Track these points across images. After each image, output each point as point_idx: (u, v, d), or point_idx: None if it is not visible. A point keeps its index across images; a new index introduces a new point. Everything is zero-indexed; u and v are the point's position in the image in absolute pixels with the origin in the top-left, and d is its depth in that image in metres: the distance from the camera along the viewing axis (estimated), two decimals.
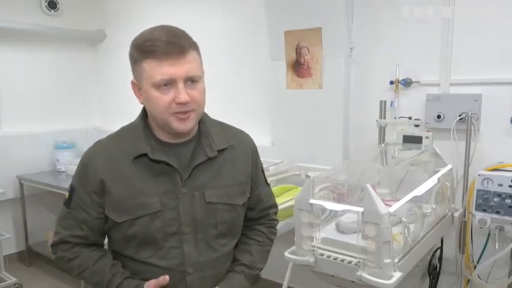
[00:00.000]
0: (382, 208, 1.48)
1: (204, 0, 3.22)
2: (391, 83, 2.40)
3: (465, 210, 2.20)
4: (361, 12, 2.49)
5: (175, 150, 1.19)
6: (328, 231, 1.85)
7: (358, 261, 1.56)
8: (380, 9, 2.44)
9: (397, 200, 1.76)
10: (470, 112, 2.17)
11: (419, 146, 2.23)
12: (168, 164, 1.16)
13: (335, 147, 2.60)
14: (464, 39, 2.21)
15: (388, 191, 2.23)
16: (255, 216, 1.36)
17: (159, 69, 1.06)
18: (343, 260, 1.60)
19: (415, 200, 1.80)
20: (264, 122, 2.87)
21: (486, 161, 2.11)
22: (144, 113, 1.21)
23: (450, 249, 2.29)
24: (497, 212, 1.92)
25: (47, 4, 3.72)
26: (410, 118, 2.34)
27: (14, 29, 3.49)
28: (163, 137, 1.19)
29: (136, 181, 1.15)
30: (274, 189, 2.11)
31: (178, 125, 1.12)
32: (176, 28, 1.12)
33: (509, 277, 2.10)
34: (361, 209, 1.52)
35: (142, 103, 1.17)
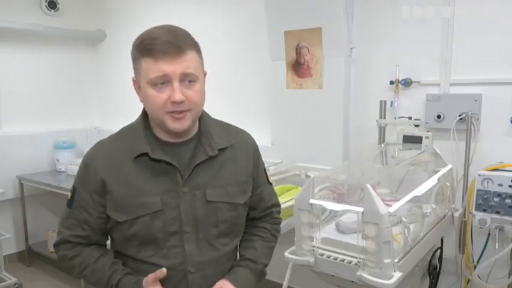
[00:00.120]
0: (382, 208, 1.48)
1: (204, 0, 3.22)
2: (391, 83, 2.40)
3: (465, 210, 2.20)
4: (361, 12, 2.49)
5: (175, 150, 1.19)
6: (328, 231, 1.85)
7: (358, 261, 1.56)
8: (380, 9, 2.44)
9: (397, 200, 1.76)
10: (470, 112, 2.17)
11: (419, 146, 2.23)
12: (168, 163, 1.16)
13: (335, 147, 2.60)
14: (464, 39, 2.21)
15: (388, 191, 2.24)
16: (258, 215, 1.36)
17: (154, 67, 1.07)
18: (343, 260, 1.60)
19: (415, 200, 1.80)
20: (264, 122, 2.87)
21: (486, 161, 2.11)
22: (145, 112, 1.21)
23: (450, 249, 2.29)
24: (497, 212, 1.92)
25: (47, 4, 3.72)
26: (410, 118, 2.34)
27: (14, 29, 3.49)
28: (163, 136, 1.19)
29: (137, 180, 1.16)
30: (275, 189, 2.11)
31: (173, 124, 1.12)
32: (178, 28, 1.12)
33: (509, 277, 2.10)
34: (361, 209, 1.52)
35: (141, 101, 1.18)
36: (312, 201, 1.64)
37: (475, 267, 2.19)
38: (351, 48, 2.53)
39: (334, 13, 2.44)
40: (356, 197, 1.83)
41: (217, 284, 1.19)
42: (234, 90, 3.10)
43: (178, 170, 1.17)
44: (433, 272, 2.22)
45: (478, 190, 1.97)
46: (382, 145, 2.38)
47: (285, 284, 2.36)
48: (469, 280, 2.27)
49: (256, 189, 1.32)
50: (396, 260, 1.54)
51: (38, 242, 3.73)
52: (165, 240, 1.16)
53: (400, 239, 1.64)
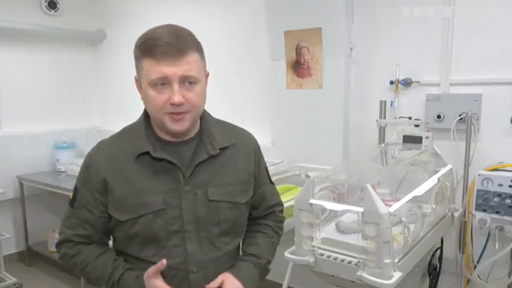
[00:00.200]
0: (382, 208, 1.48)
1: (204, 0, 3.22)
2: (391, 83, 2.40)
3: (465, 210, 2.20)
4: (361, 12, 2.49)
5: (177, 149, 1.19)
6: (328, 231, 1.85)
7: (358, 261, 1.56)
8: (380, 9, 2.44)
9: (397, 200, 1.76)
10: (470, 112, 2.17)
11: (419, 146, 2.23)
12: (170, 162, 1.16)
13: (335, 147, 2.60)
14: (464, 39, 2.21)
15: (388, 191, 2.23)
16: (260, 214, 1.35)
17: (155, 68, 1.07)
18: (343, 260, 1.60)
19: (415, 200, 1.80)
20: (264, 122, 2.87)
21: (486, 161, 2.11)
22: (147, 112, 1.21)
23: (450, 249, 2.29)
24: (497, 212, 1.92)
25: (47, 4, 3.72)
26: (410, 118, 2.34)
27: (14, 29, 3.49)
28: (165, 135, 1.19)
29: (138, 180, 1.16)
30: None
31: (172, 125, 1.12)
32: (181, 28, 1.12)
33: (509, 277, 2.10)
34: (361, 209, 1.52)
35: (142, 99, 1.18)
36: (312, 201, 1.64)
37: (475, 267, 2.19)
38: (351, 48, 2.53)
39: (334, 13, 2.44)
40: (356, 197, 1.83)
41: (219, 277, 1.18)
42: (234, 90, 3.10)
43: (180, 168, 1.17)
44: (433, 272, 2.22)
45: (478, 190, 1.97)
46: (382, 145, 2.38)
47: (285, 284, 2.36)
48: (469, 280, 2.27)
49: (258, 189, 1.31)
50: (396, 260, 1.54)
51: (38, 242, 3.73)
52: (167, 240, 1.16)
53: (400, 239, 1.64)
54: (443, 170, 2.07)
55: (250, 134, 1.36)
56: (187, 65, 1.08)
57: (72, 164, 3.58)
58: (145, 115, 1.22)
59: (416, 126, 2.31)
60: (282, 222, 1.42)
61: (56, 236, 3.98)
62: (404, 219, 1.68)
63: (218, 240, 1.22)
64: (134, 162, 1.17)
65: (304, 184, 1.71)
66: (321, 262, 1.65)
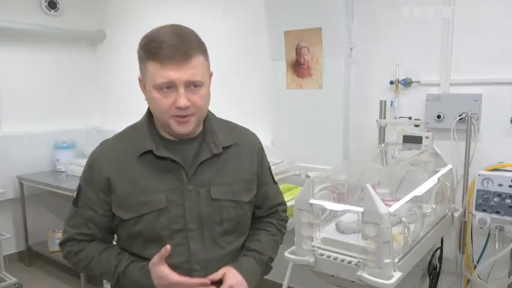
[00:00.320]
0: (382, 208, 1.48)
1: (204, 0, 3.22)
2: (391, 83, 2.40)
3: (465, 210, 2.20)
4: (361, 12, 2.49)
5: (180, 147, 1.19)
6: (328, 231, 1.85)
7: (358, 261, 1.56)
8: (380, 9, 2.44)
9: (397, 200, 1.76)
10: (470, 112, 2.17)
11: (419, 146, 2.23)
12: (173, 161, 1.17)
13: (335, 147, 2.60)
14: (464, 39, 2.21)
15: (388, 191, 2.23)
16: (263, 214, 1.35)
17: (161, 73, 1.07)
18: (343, 260, 1.60)
19: (415, 200, 1.80)
20: (264, 121, 2.87)
21: (486, 161, 2.11)
22: (150, 111, 1.22)
23: (450, 249, 2.29)
24: (497, 212, 1.92)
25: (47, 4, 3.72)
26: (410, 118, 2.34)
27: (14, 29, 3.50)
28: (167, 134, 1.20)
29: (141, 178, 1.16)
30: None
31: (177, 128, 1.13)
32: (185, 29, 1.12)
33: (509, 277, 2.10)
34: (361, 209, 1.52)
35: (146, 100, 1.18)
36: (312, 201, 1.64)
37: (475, 267, 2.19)
38: (351, 48, 2.53)
39: (334, 13, 2.44)
40: (356, 197, 1.83)
41: (221, 269, 1.18)
42: (234, 90, 3.09)
43: (183, 167, 1.17)
44: (433, 272, 2.22)
45: (478, 190, 1.97)
46: (382, 145, 2.38)
47: (285, 284, 2.36)
48: (469, 280, 2.27)
49: (261, 188, 1.32)
50: (396, 260, 1.54)
51: (38, 242, 3.73)
52: (170, 238, 1.16)
53: (400, 239, 1.64)
54: (443, 170, 2.07)
55: (253, 133, 1.36)
56: (192, 69, 1.08)
57: (72, 164, 3.58)
58: (149, 114, 1.22)
59: (416, 126, 2.31)
60: (286, 221, 1.41)
61: (56, 236, 3.97)
62: (404, 219, 1.68)
63: (221, 239, 1.22)
64: (137, 161, 1.17)
65: (304, 184, 1.70)
66: (321, 262, 1.65)
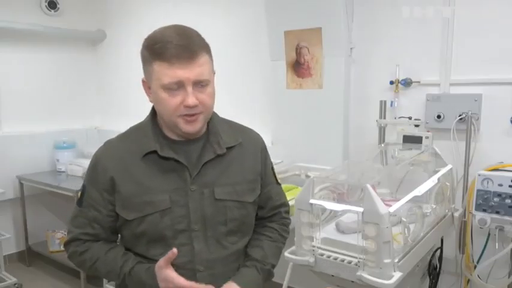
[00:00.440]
0: (382, 208, 1.48)
1: (204, 1, 3.22)
2: (391, 83, 2.41)
3: (465, 210, 2.20)
4: (361, 12, 2.49)
5: (184, 148, 1.19)
6: (328, 231, 1.85)
7: (358, 261, 1.56)
8: (380, 9, 2.44)
9: (397, 200, 1.76)
10: (470, 112, 2.17)
11: (419, 146, 2.23)
12: (177, 161, 1.17)
13: (335, 147, 2.60)
14: (464, 39, 2.21)
15: (388, 191, 2.23)
16: (266, 214, 1.35)
17: (168, 72, 1.07)
18: (343, 260, 1.60)
19: (415, 200, 1.80)
20: (264, 121, 2.87)
21: (486, 161, 2.11)
22: (154, 111, 1.22)
23: (450, 249, 2.29)
24: (497, 212, 1.92)
25: (47, 4, 3.72)
26: (410, 118, 2.34)
27: (14, 29, 3.49)
28: (172, 134, 1.20)
29: (145, 179, 1.17)
30: None
31: (185, 127, 1.13)
32: (188, 29, 1.12)
33: (509, 277, 2.10)
34: (361, 209, 1.51)
35: (151, 102, 1.18)
36: (312, 201, 1.64)
37: (475, 267, 2.19)
38: (351, 48, 2.54)
39: (334, 13, 2.44)
40: (356, 197, 1.83)
41: (224, 286, 1.19)
42: (234, 90, 3.09)
43: (187, 168, 1.17)
44: (433, 272, 2.22)
45: (478, 190, 1.97)
46: (382, 145, 2.38)
47: (285, 284, 2.36)
48: (469, 280, 2.27)
49: (264, 188, 1.31)
50: (396, 260, 1.54)
51: (38, 242, 3.72)
52: (174, 238, 1.17)
53: (400, 239, 1.64)
54: (443, 170, 2.07)
55: (256, 133, 1.36)
56: (199, 68, 1.09)
57: (72, 164, 3.58)
58: (152, 114, 1.22)
59: (416, 126, 2.31)
60: (288, 224, 1.40)
61: (56, 236, 3.97)
62: (404, 219, 1.68)
63: (225, 240, 1.22)
64: (141, 161, 1.17)
65: (304, 184, 1.70)
66: (321, 262, 1.65)
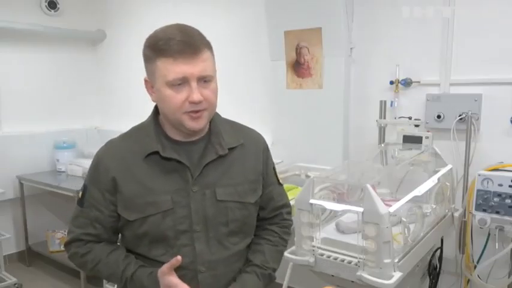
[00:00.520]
0: (382, 208, 1.48)
1: (204, 1, 3.22)
2: (391, 83, 2.41)
3: (465, 210, 2.20)
4: (361, 12, 2.49)
5: (186, 148, 1.19)
6: (328, 231, 1.85)
7: (358, 261, 1.56)
8: (380, 9, 2.44)
9: (397, 200, 1.76)
10: (470, 112, 2.17)
11: (419, 146, 2.23)
12: (179, 162, 1.17)
13: (335, 147, 2.60)
14: (464, 39, 2.21)
15: (388, 191, 2.23)
16: (267, 215, 1.35)
17: (172, 68, 1.07)
18: (343, 260, 1.60)
19: (415, 200, 1.80)
20: (264, 121, 2.86)
21: (486, 161, 2.11)
22: (156, 111, 1.22)
23: (450, 249, 2.29)
24: (497, 212, 1.92)
25: (47, 4, 3.72)
26: (410, 118, 2.34)
27: (14, 29, 3.49)
28: (174, 135, 1.20)
29: (147, 179, 1.16)
30: None
31: (190, 124, 1.13)
32: (190, 27, 1.13)
33: (509, 277, 2.10)
34: (361, 209, 1.51)
35: (154, 101, 1.18)
36: (312, 201, 1.64)
37: (475, 267, 2.19)
38: (351, 48, 2.54)
39: (334, 13, 2.44)
40: (356, 197, 1.83)
41: None
42: (234, 90, 3.09)
43: (189, 168, 1.17)
44: (433, 272, 2.22)
45: (478, 190, 1.97)
46: (382, 145, 2.38)
47: (285, 284, 2.36)
48: (469, 280, 2.27)
49: (265, 189, 1.31)
50: (396, 260, 1.54)
51: (38, 242, 3.72)
52: (176, 239, 1.17)
53: (400, 239, 1.64)
54: (443, 170, 2.07)
55: (258, 133, 1.36)
56: (202, 63, 1.09)
57: (72, 164, 3.58)
58: (154, 114, 1.22)
59: (416, 126, 2.31)
60: (289, 226, 1.40)
61: (56, 236, 3.96)
62: (404, 219, 1.68)
63: (227, 240, 1.21)
64: (143, 161, 1.17)
65: (304, 184, 1.71)
66: (321, 262, 1.65)
